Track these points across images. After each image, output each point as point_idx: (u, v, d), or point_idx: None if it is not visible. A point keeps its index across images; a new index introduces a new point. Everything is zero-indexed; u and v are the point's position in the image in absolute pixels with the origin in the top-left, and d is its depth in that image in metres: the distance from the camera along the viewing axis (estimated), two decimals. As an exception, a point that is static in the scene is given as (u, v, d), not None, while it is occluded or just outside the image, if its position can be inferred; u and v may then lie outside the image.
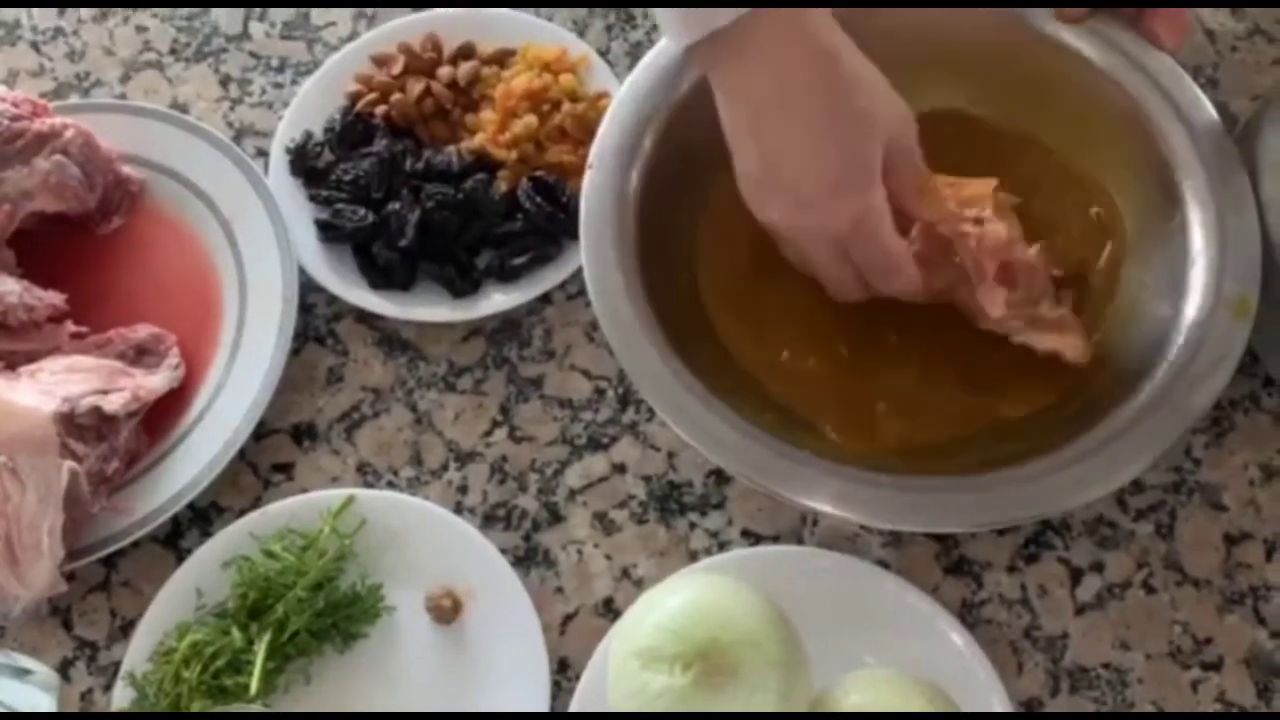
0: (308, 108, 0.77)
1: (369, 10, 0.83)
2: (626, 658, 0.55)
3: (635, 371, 0.59)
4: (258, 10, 0.83)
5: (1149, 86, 0.64)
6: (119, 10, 0.84)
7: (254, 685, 0.60)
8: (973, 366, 0.65)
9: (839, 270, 0.61)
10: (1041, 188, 0.67)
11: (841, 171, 0.56)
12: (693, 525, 0.66)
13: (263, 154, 0.77)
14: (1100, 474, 0.56)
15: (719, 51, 0.57)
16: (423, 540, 0.65)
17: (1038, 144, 0.68)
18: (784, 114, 0.56)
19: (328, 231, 0.72)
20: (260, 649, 0.61)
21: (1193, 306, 0.59)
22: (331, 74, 0.78)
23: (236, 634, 0.61)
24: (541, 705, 0.61)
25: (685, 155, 0.67)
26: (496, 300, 0.71)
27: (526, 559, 0.66)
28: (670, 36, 0.61)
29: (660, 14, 0.59)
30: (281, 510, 0.65)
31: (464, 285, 0.71)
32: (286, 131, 0.76)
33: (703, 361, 0.61)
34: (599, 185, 0.64)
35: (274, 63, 0.82)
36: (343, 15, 0.83)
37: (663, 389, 0.59)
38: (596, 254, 0.62)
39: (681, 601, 0.56)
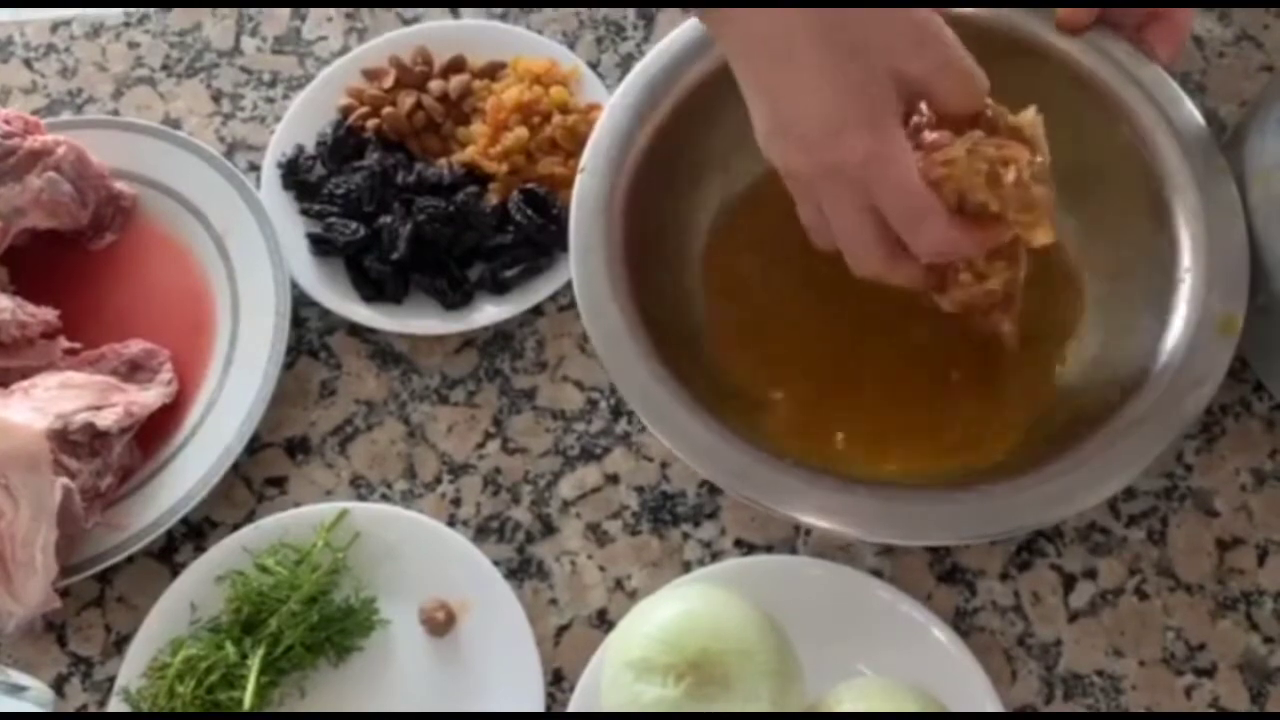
0: (299, 122, 0.77)
1: (359, 24, 0.83)
2: (619, 668, 0.56)
3: (623, 383, 0.59)
4: (249, 25, 0.84)
5: (1139, 96, 0.64)
6: (111, 26, 0.84)
7: (248, 700, 0.60)
8: (963, 382, 0.65)
9: (861, 229, 0.55)
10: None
11: (837, 105, 0.53)
12: (686, 536, 0.66)
13: (255, 168, 0.78)
14: (1089, 485, 0.56)
15: (721, 13, 0.56)
16: (416, 553, 0.65)
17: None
18: (782, 57, 0.54)
19: (320, 245, 0.72)
20: (254, 663, 0.61)
21: (1179, 321, 0.59)
22: (323, 88, 0.78)
23: (230, 648, 0.61)
24: (536, 717, 0.61)
25: (675, 166, 0.67)
26: (488, 312, 0.71)
27: (520, 571, 0.66)
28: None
29: None
30: (275, 524, 0.66)
31: (456, 298, 0.71)
32: (278, 146, 0.76)
33: (692, 373, 0.61)
34: (588, 196, 0.64)
35: (265, 77, 0.82)
36: (334, 30, 0.83)
37: (651, 400, 0.59)
38: (585, 265, 0.62)
39: (673, 612, 0.56)
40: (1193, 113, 0.64)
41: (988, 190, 0.54)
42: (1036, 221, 0.55)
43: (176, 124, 0.80)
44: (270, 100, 0.81)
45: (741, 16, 0.54)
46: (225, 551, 0.65)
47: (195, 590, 0.64)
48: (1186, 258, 0.61)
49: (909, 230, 0.54)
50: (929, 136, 0.54)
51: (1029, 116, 0.55)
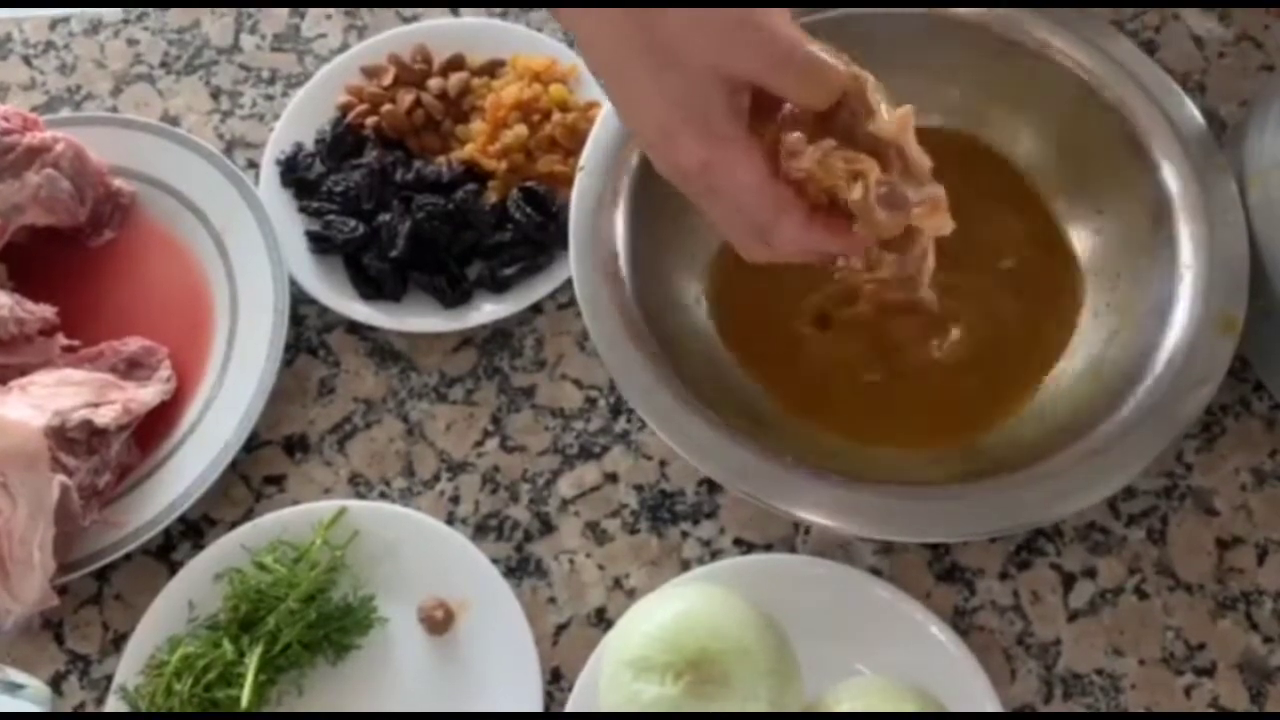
0: (298, 120, 0.77)
1: (359, 22, 0.83)
2: (618, 667, 0.55)
3: (624, 380, 0.59)
4: (248, 23, 0.83)
5: (1138, 96, 0.65)
6: (110, 24, 0.84)
7: (245, 698, 0.60)
8: (972, 371, 0.65)
9: (731, 226, 0.53)
10: (1013, 204, 0.68)
11: (664, 113, 0.50)
12: (685, 534, 0.66)
13: (254, 166, 0.78)
14: (1089, 483, 0.57)
15: (565, 15, 0.54)
16: (415, 551, 0.65)
17: (1011, 160, 0.69)
18: (613, 63, 0.52)
19: (319, 243, 0.72)
20: (252, 661, 0.60)
21: (1180, 320, 0.59)
22: (322, 86, 0.78)
23: (228, 646, 0.61)
24: (534, 716, 0.61)
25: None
26: (487, 310, 0.71)
27: (519, 569, 0.66)
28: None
29: None
30: (273, 522, 0.65)
31: (455, 296, 0.71)
32: (277, 143, 0.76)
33: (693, 370, 0.61)
34: (587, 194, 0.64)
35: (264, 75, 0.82)
36: (333, 27, 0.83)
37: (652, 398, 0.59)
38: (584, 262, 0.63)
39: (672, 611, 0.56)
40: (1193, 112, 0.64)
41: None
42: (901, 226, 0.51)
43: (175, 121, 0.80)
44: (269, 98, 0.81)
45: (576, 19, 0.52)
46: (223, 549, 0.65)
47: (193, 588, 0.64)
48: (1187, 257, 0.61)
49: (765, 231, 0.52)
50: (789, 136, 0.50)
51: (891, 123, 0.49)
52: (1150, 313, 0.62)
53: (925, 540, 0.63)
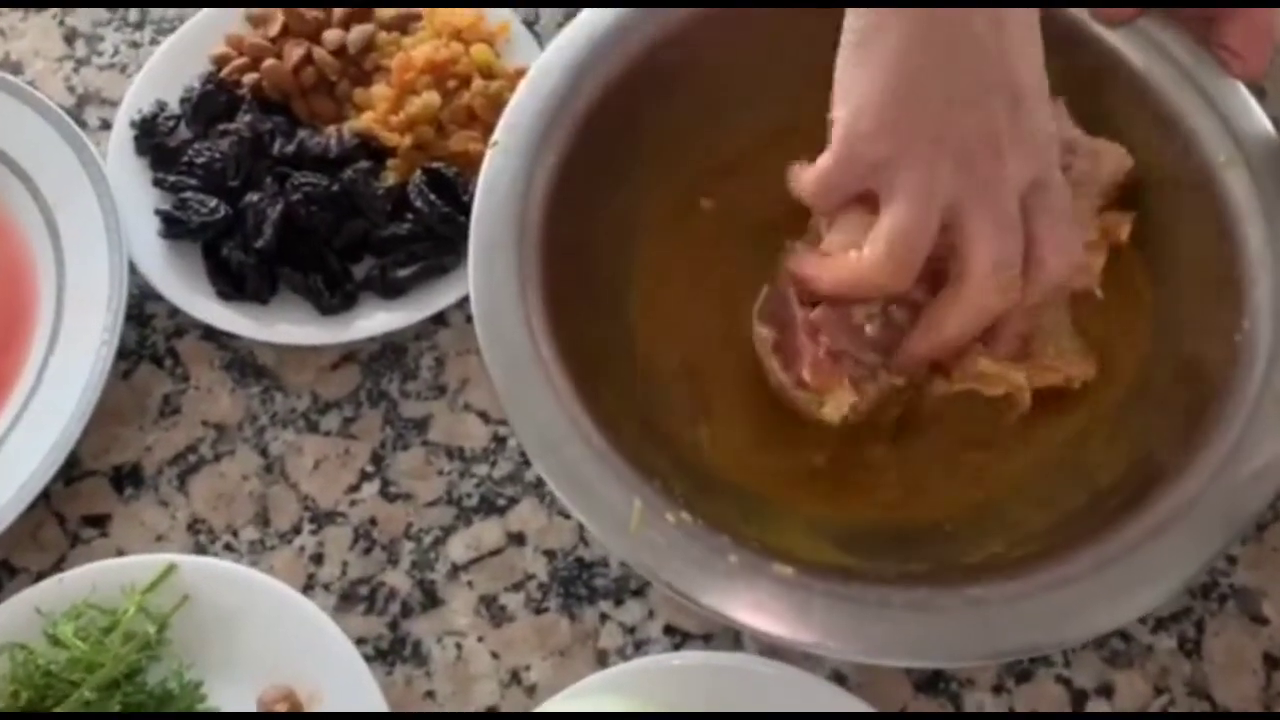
0: (164, 73, 0.66)
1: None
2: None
3: (520, 418, 0.47)
4: (117, -47, 0.71)
5: (1199, 104, 0.53)
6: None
7: (13, 818, 0.46)
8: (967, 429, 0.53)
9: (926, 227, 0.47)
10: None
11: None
12: (604, 617, 0.54)
13: (109, 127, 0.66)
14: (1111, 597, 0.44)
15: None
16: (260, 625, 0.53)
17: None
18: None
19: (171, 226, 0.61)
20: (26, 772, 0.47)
21: (1245, 385, 0.47)
22: (197, 33, 0.67)
23: (-1, 748, 0.48)
24: None
25: (620, 145, 0.56)
26: (376, 320, 0.60)
27: (390, 653, 0.54)
28: None
29: None
30: (82, 578, 0.53)
31: (335, 300, 0.60)
32: (135, 101, 0.65)
33: (618, 411, 0.49)
34: (500, 179, 0.53)
35: (132, 17, 0.71)
36: (218, -37, 0.70)
37: (555, 443, 0.46)
38: (489, 269, 0.50)
39: (572, 741, 0.43)
40: (1263, 123, 0.53)
41: None
42: None
43: (17, 68, 0.70)
44: (135, 45, 0.70)
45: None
46: (14, 613, 0.52)
47: (-27, 660, 0.51)
48: (1253, 302, 0.49)
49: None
50: None
51: None
52: (1202, 371, 0.50)
53: (892, 664, 0.52)
